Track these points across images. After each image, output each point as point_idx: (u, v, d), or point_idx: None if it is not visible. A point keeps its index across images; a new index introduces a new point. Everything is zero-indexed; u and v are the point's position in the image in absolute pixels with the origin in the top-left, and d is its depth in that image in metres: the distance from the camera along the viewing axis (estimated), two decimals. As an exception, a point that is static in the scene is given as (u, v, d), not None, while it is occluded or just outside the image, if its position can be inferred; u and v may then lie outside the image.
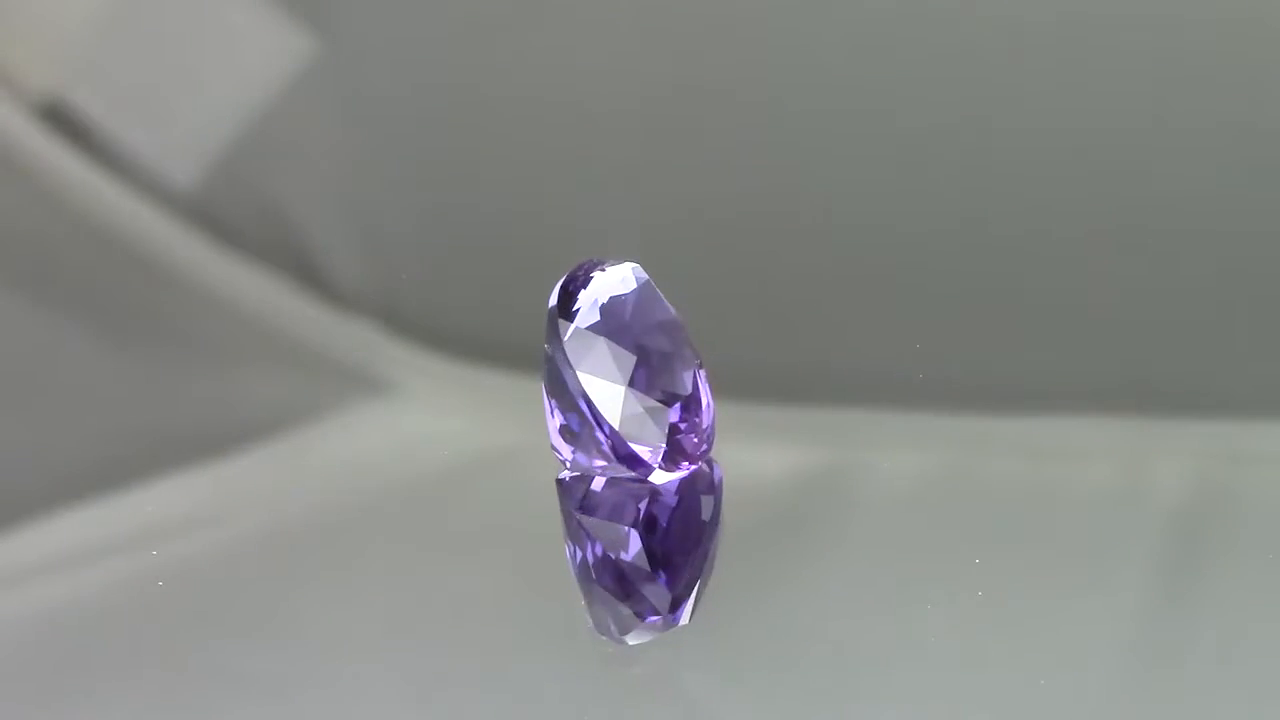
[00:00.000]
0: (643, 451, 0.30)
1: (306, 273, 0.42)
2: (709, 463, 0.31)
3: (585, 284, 0.30)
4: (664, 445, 0.30)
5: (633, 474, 0.30)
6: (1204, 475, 0.35)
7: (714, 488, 0.31)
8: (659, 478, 0.30)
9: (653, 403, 0.30)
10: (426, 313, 0.41)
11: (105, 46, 0.44)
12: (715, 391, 0.31)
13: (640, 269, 0.31)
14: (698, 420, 0.30)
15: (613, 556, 0.30)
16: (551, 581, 0.32)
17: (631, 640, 0.31)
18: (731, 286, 0.40)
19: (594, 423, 0.30)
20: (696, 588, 0.31)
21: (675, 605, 0.31)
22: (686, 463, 0.30)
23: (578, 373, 0.30)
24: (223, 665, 0.31)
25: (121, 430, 0.38)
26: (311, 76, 0.43)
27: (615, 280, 0.30)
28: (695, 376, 0.30)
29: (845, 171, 0.40)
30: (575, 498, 0.30)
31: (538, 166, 0.42)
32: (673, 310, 0.31)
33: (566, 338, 0.30)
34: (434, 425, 0.39)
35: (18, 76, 0.44)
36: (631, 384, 0.30)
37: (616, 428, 0.30)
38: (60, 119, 0.43)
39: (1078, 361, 0.37)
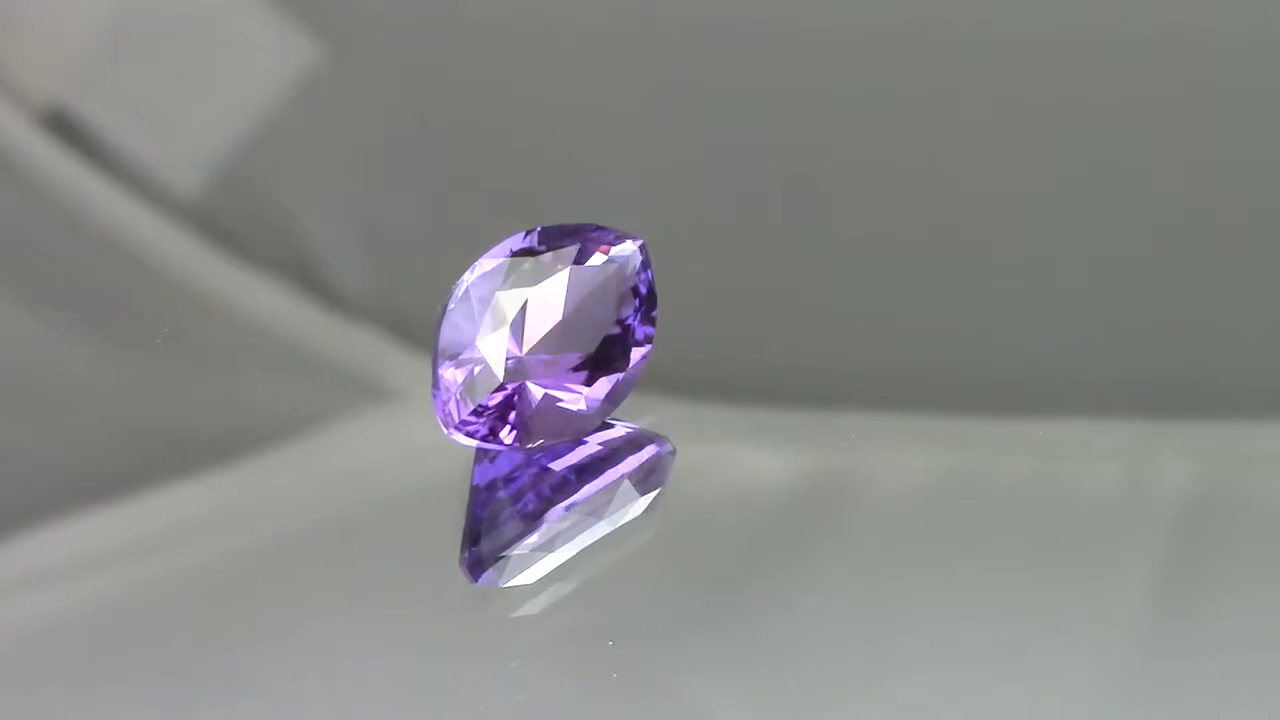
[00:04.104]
0: (440, 399, 0.30)
1: (310, 280, 0.42)
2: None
3: (549, 240, 0.31)
4: (447, 402, 0.30)
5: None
6: (1208, 476, 0.35)
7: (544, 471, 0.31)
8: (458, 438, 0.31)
9: (480, 362, 0.30)
10: (430, 320, 0.41)
11: (108, 54, 0.44)
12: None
13: (628, 254, 0.31)
14: (509, 419, 0.30)
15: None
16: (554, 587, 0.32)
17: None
18: (730, 287, 0.39)
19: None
20: (518, 559, 0.31)
21: (476, 564, 0.31)
22: (468, 435, 0.31)
23: (453, 301, 0.30)
24: (227, 672, 0.31)
25: (124, 437, 0.38)
26: (315, 83, 0.43)
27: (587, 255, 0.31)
28: (544, 391, 0.30)
29: (846, 170, 0.40)
30: None
31: (542, 173, 0.42)
32: (615, 313, 0.31)
33: (472, 276, 0.30)
34: (438, 432, 0.39)
35: (21, 84, 0.44)
36: (474, 341, 0.30)
37: (436, 366, 0.30)
38: (64, 127, 0.43)
39: (1080, 362, 0.37)
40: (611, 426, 0.32)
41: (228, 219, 0.43)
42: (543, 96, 0.42)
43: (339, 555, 0.34)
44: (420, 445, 0.39)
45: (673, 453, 0.33)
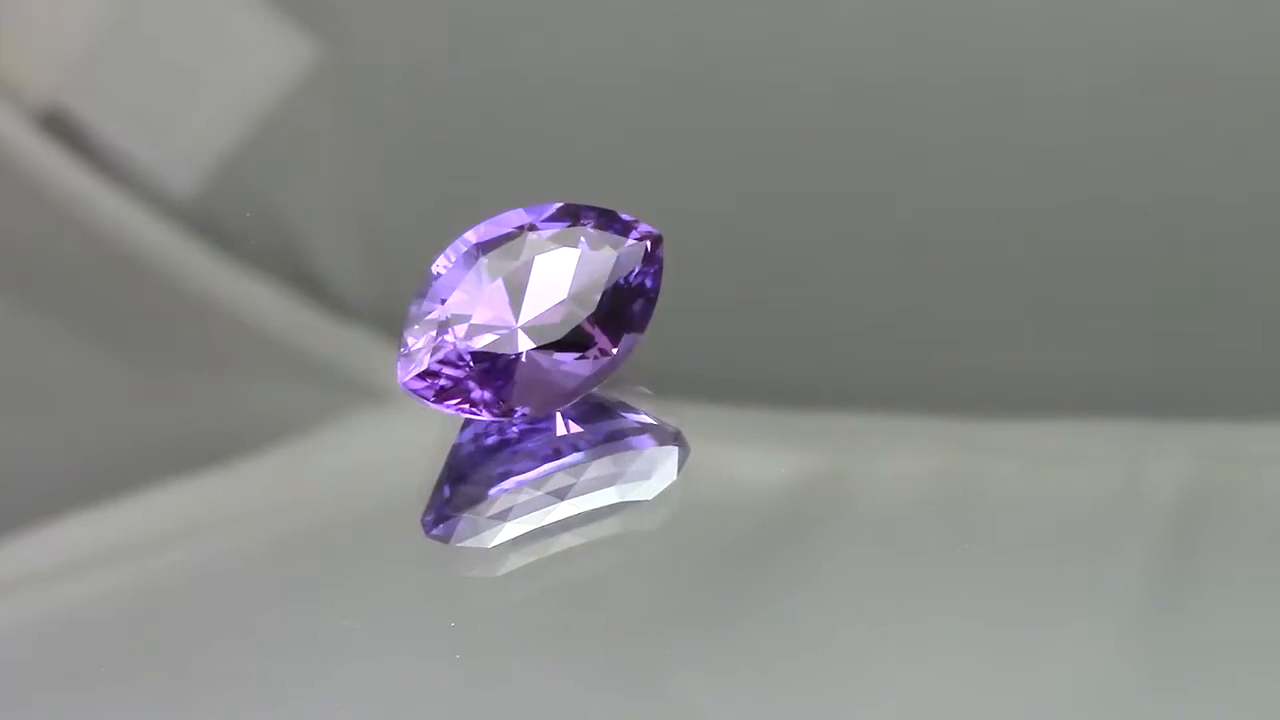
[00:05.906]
0: (401, 351, 0.30)
1: (307, 281, 0.42)
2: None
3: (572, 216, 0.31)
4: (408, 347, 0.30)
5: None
6: (1203, 477, 0.35)
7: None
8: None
9: (450, 324, 0.30)
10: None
11: (105, 54, 0.44)
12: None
13: (632, 244, 0.31)
14: (485, 386, 0.30)
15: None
16: (555, 587, 0.32)
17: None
18: (730, 289, 0.39)
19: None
20: (481, 516, 0.31)
21: (433, 518, 0.31)
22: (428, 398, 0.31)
23: (445, 258, 0.30)
24: (223, 672, 0.31)
25: (120, 438, 0.38)
26: (312, 84, 0.43)
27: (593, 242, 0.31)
28: (530, 362, 0.31)
29: (844, 172, 0.40)
30: None
31: (542, 173, 0.42)
32: (611, 299, 0.31)
33: (472, 238, 0.30)
34: (434, 435, 0.39)
35: (17, 84, 0.44)
36: (452, 300, 0.30)
37: (407, 320, 0.30)
38: (60, 127, 0.43)
39: (1076, 363, 0.37)
40: (622, 417, 0.32)
41: (224, 219, 0.43)
42: (543, 97, 0.42)
43: (336, 556, 0.34)
44: (418, 446, 0.39)
45: (677, 438, 0.32)
